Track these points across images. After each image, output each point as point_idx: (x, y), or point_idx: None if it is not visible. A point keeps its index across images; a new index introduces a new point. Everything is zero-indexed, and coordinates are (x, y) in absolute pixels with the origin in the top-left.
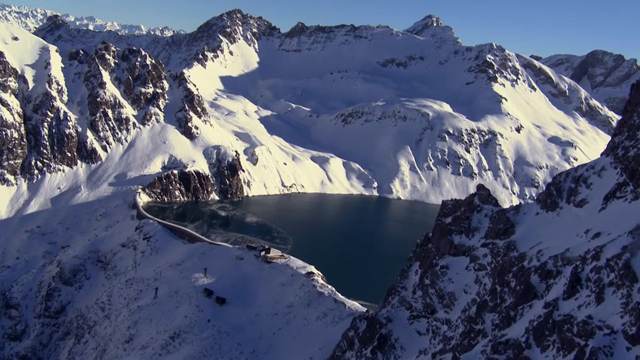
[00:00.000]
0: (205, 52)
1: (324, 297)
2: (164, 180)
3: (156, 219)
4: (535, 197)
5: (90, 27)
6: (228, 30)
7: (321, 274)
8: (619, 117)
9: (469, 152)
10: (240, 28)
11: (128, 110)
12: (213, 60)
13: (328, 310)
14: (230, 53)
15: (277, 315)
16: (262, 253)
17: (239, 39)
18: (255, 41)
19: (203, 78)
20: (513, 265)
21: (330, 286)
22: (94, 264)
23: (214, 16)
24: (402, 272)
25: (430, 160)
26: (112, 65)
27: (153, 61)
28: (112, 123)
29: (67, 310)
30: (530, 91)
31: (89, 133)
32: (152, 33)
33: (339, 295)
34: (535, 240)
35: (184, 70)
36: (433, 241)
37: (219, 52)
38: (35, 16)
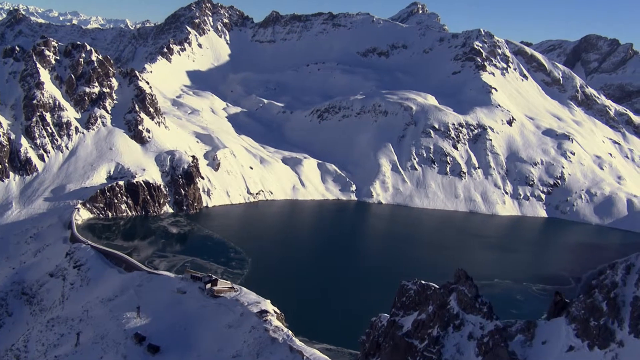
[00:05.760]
0: (171, 45)
1: (277, 344)
2: (108, 193)
3: (89, 242)
4: (565, 314)
5: (75, 22)
6: (197, 21)
7: (277, 311)
8: (616, 106)
9: (456, 148)
10: (210, 18)
11: (70, 114)
12: (180, 54)
13: None
14: (199, 45)
15: None
16: (208, 285)
17: (209, 30)
18: (227, 32)
19: (168, 73)
20: None
21: (286, 329)
22: (17, 297)
23: (181, 6)
24: None
25: (414, 158)
26: (53, 62)
27: (100, 57)
28: (50, 128)
29: None
30: (522, 80)
31: (23, 140)
32: (134, 27)
33: (296, 341)
34: None
35: (146, 66)
36: (383, 355)
37: (186, 44)
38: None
